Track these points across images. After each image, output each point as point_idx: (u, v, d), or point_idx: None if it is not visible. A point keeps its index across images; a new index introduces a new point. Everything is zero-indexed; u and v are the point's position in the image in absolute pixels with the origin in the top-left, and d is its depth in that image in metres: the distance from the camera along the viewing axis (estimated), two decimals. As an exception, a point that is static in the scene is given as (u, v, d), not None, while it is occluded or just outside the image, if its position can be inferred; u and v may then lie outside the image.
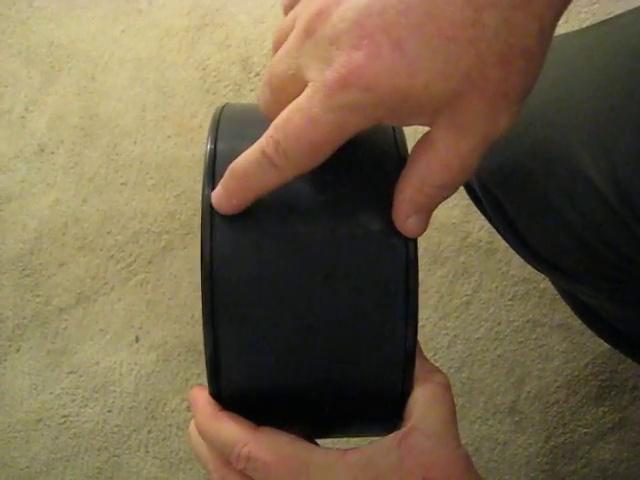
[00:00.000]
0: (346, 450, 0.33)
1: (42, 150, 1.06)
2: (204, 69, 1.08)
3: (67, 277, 0.98)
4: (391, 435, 0.33)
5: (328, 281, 0.32)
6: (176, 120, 1.05)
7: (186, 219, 0.99)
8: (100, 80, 1.09)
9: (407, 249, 0.32)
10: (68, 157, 1.05)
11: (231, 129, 0.36)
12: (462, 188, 0.57)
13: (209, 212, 0.32)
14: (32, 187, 1.04)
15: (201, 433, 0.35)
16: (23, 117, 1.08)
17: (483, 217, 0.57)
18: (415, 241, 0.32)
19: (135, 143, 1.05)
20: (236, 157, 0.33)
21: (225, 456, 0.34)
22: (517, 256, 0.56)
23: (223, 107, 0.38)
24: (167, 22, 1.12)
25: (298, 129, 0.29)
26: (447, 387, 0.35)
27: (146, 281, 0.97)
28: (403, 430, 0.33)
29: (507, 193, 0.49)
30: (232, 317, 0.32)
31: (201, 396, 0.35)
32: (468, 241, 0.94)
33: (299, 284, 0.32)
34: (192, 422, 0.37)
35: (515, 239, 0.52)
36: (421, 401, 0.34)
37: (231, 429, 0.34)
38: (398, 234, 0.32)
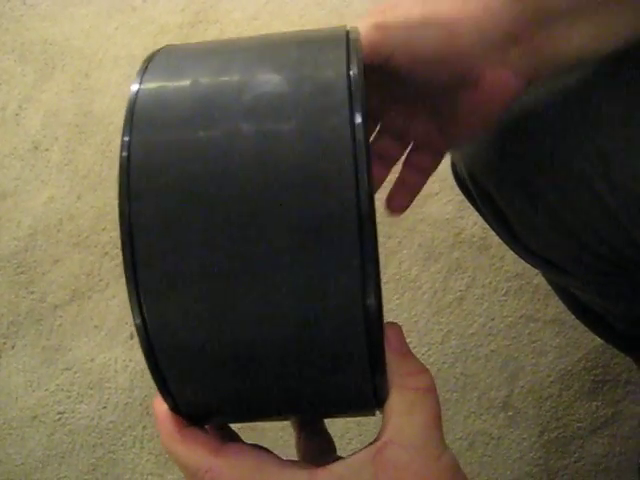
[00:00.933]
0: (316, 470, 0.31)
1: (36, 147, 1.06)
2: (198, 66, 1.08)
3: (62, 274, 0.98)
4: (365, 450, 0.31)
5: (261, 198, 0.28)
6: (170, 117, 1.05)
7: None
8: (94, 77, 1.09)
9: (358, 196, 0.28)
10: (62, 154, 1.05)
11: (160, 69, 0.33)
12: (455, 184, 0.57)
13: (126, 168, 0.30)
14: (26, 184, 1.04)
15: (167, 450, 0.34)
16: (17, 114, 1.08)
17: (476, 213, 0.57)
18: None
19: (129, 140, 1.05)
20: (160, 97, 0.31)
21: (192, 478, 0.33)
22: (510, 252, 0.57)
23: (159, 50, 0.35)
24: (161, 19, 1.12)
25: None
26: (428, 390, 0.33)
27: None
28: (377, 444, 0.31)
29: (499, 188, 0.49)
30: (155, 269, 0.29)
31: (160, 412, 0.33)
32: (462, 237, 0.95)
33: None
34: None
35: (507, 234, 0.53)
36: (397, 410, 0.32)
37: (192, 452, 0.32)
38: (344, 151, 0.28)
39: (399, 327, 0.34)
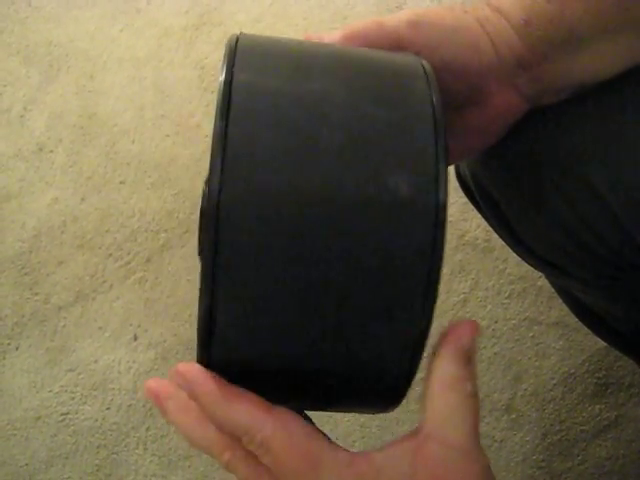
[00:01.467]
0: (357, 455, 0.32)
1: (41, 149, 1.06)
2: (202, 68, 1.08)
3: (66, 275, 0.99)
4: (405, 442, 0.32)
5: (340, 245, 0.29)
6: (174, 119, 1.06)
7: (184, 217, 1.00)
8: (98, 79, 1.10)
9: (436, 219, 0.30)
10: (67, 156, 1.05)
11: (249, 59, 0.32)
12: (459, 186, 0.57)
13: (221, 150, 0.29)
14: (31, 186, 1.04)
15: (209, 414, 0.32)
16: (22, 116, 1.08)
17: (480, 215, 0.57)
18: (444, 221, 0.30)
19: (133, 142, 1.05)
20: (254, 90, 0.31)
21: (235, 438, 0.32)
22: (514, 254, 0.57)
23: (238, 37, 0.35)
24: (165, 21, 1.12)
25: None
26: (474, 396, 0.33)
27: (144, 279, 0.98)
28: (419, 437, 0.32)
29: (502, 192, 0.49)
30: (233, 277, 0.29)
31: (201, 375, 0.32)
32: (465, 239, 0.95)
33: (311, 244, 0.29)
34: (173, 405, 0.34)
35: (510, 237, 0.53)
36: (443, 410, 0.32)
37: (245, 411, 0.31)
38: (426, 205, 0.30)
39: (476, 326, 0.34)
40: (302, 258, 0.29)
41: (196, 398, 0.32)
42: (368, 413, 0.38)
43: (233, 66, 0.31)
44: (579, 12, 0.39)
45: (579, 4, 0.39)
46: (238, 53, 0.32)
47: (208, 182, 0.29)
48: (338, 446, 0.32)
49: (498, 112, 0.42)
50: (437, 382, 0.33)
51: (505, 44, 0.40)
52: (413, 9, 0.40)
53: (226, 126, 0.29)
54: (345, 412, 0.38)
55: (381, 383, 0.33)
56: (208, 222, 0.29)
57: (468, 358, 0.33)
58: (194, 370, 0.32)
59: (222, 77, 0.31)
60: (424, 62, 0.35)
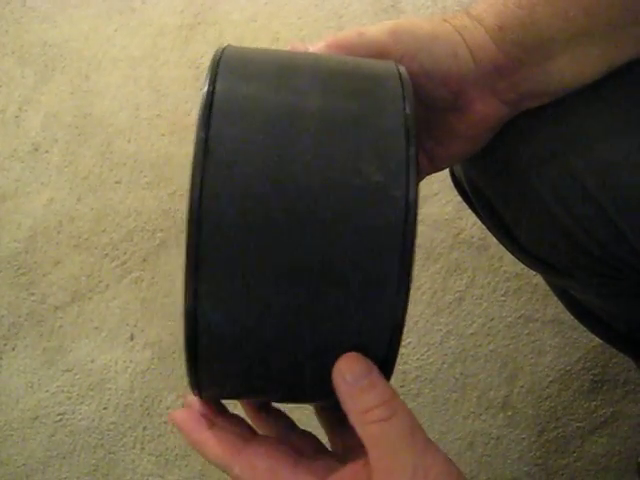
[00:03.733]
0: (326, 476, 0.34)
1: (36, 149, 1.06)
2: (197, 67, 1.08)
3: (62, 275, 0.99)
4: (366, 467, 0.33)
5: (320, 228, 0.31)
6: (170, 118, 1.06)
7: (180, 217, 1.00)
8: (94, 79, 1.10)
9: (407, 203, 0.31)
10: (62, 156, 1.05)
11: (231, 70, 0.35)
12: (453, 185, 0.57)
13: (202, 156, 0.31)
14: (27, 186, 1.04)
15: (196, 450, 0.37)
16: (17, 116, 1.08)
17: (475, 215, 0.58)
18: (415, 201, 0.32)
19: (129, 142, 1.05)
20: (236, 98, 0.33)
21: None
22: (510, 253, 0.57)
23: (224, 48, 0.37)
24: (160, 20, 1.12)
25: None
26: (394, 416, 0.32)
27: (141, 279, 0.98)
28: (369, 470, 0.33)
29: (496, 192, 0.50)
30: (215, 264, 0.31)
31: (180, 421, 0.37)
32: (461, 237, 0.95)
33: (288, 230, 0.31)
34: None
35: (505, 236, 0.53)
36: (372, 445, 0.32)
37: (215, 455, 0.36)
38: (398, 190, 0.31)
39: (355, 357, 0.33)
40: (281, 242, 0.31)
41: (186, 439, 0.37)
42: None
43: (216, 76, 0.34)
44: (548, 17, 0.40)
45: (547, 9, 0.40)
46: (221, 64, 0.35)
47: (190, 183, 0.31)
48: (306, 474, 0.34)
49: (480, 117, 0.44)
50: (354, 424, 0.33)
51: (482, 51, 0.41)
52: (394, 20, 0.42)
53: (207, 133, 0.31)
54: (326, 404, 0.38)
55: None
56: (191, 213, 0.31)
57: (364, 387, 0.33)
58: (177, 417, 0.37)
59: (204, 88, 0.33)
60: (400, 66, 0.37)
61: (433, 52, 0.41)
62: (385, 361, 0.33)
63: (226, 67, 0.35)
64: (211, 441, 0.36)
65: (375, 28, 0.41)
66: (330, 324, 0.32)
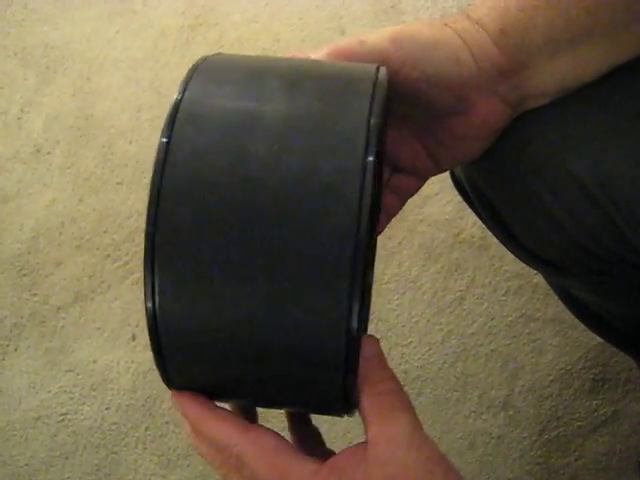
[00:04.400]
0: (323, 461, 0.35)
1: (38, 151, 1.06)
2: (199, 69, 1.09)
3: (64, 276, 0.99)
4: (356, 448, 0.35)
5: (273, 225, 0.31)
6: (171, 120, 1.06)
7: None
8: (95, 81, 1.10)
9: (360, 205, 0.31)
10: (64, 157, 1.06)
11: (205, 76, 0.36)
12: (454, 185, 0.58)
13: (162, 160, 0.32)
14: (29, 187, 1.04)
15: (196, 434, 0.37)
16: (19, 118, 1.09)
17: (475, 215, 0.58)
18: (368, 220, 0.32)
19: (130, 143, 1.05)
20: (203, 103, 0.34)
21: (219, 451, 0.36)
22: (511, 253, 0.57)
23: (207, 57, 0.38)
24: (161, 22, 1.13)
25: None
26: (401, 391, 0.36)
27: (142, 280, 0.98)
28: (367, 445, 0.34)
29: (496, 192, 0.50)
30: (170, 260, 0.32)
31: (186, 399, 0.36)
32: (461, 237, 0.95)
33: (241, 227, 0.32)
34: (186, 422, 0.38)
35: (503, 234, 0.53)
36: (376, 414, 0.35)
37: (223, 429, 0.36)
38: (351, 192, 0.31)
39: (376, 340, 0.37)
40: (234, 239, 0.31)
41: (187, 419, 0.37)
42: (319, 410, 0.39)
43: (187, 84, 0.35)
44: (550, 19, 0.40)
45: (549, 11, 0.40)
46: (196, 72, 0.36)
47: (150, 184, 0.32)
48: (308, 458, 0.35)
49: (483, 120, 0.44)
50: (365, 395, 0.35)
51: (484, 54, 0.41)
52: (394, 27, 0.42)
53: (169, 136, 0.33)
54: (300, 407, 0.39)
55: (322, 369, 0.34)
56: (148, 212, 0.32)
57: (379, 364, 0.36)
58: (184, 395, 0.37)
59: (175, 96, 0.34)
60: (382, 70, 0.37)
61: (435, 58, 0.41)
62: (346, 362, 0.33)
63: (200, 74, 0.36)
64: (214, 419, 0.36)
65: (376, 35, 0.41)
66: (283, 320, 0.32)
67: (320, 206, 0.31)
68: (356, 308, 0.32)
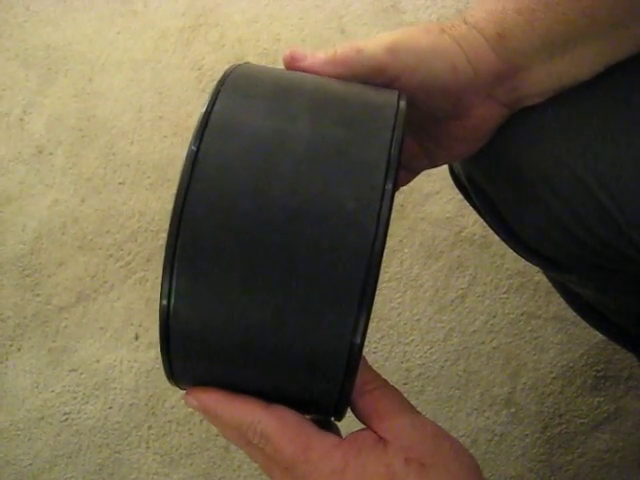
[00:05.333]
0: (343, 438, 0.36)
1: (40, 151, 1.07)
2: (199, 69, 1.09)
3: (67, 276, 0.99)
4: (371, 432, 0.36)
5: (289, 243, 0.33)
6: (172, 120, 1.06)
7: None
8: (97, 82, 1.10)
9: (376, 233, 0.33)
10: (66, 158, 1.06)
11: (233, 90, 0.37)
12: (453, 181, 0.58)
13: (190, 168, 0.33)
14: (31, 188, 1.05)
15: (219, 418, 0.37)
16: (21, 119, 1.09)
17: (476, 212, 0.58)
18: (383, 240, 0.33)
19: (132, 143, 1.06)
20: (233, 118, 0.35)
21: (242, 433, 0.37)
22: (511, 250, 0.57)
23: (235, 67, 0.39)
24: (162, 23, 1.13)
25: None
26: (384, 387, 0.38)
27: (145, 279, 0.98)
28: (381, 438, 0.36)
29: (495, 188, 0.50)
30: (191, 265, 0.33)
31: (202, 391, 0.37)
32: (462, 235, 0.95)
33: (259, 242, 0.33)
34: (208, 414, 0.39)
35: (505, 232, 0.53)
36: (372, 412, 0.37)
37: (243, 409, 0.36)
38: (369, 219, 0.33)
39: None
40: (251, 251, 0.33)
41: (206, 409, 0.37)
42: (313, 411, 0.39)
43: (217, 95, 0.36)
44: (547, 21, 0.40)
45: (547, 13, 0.40)
46: (225, 84, 0.37)
47: (177, 190, 0.33)
48: (329, 433, 0.36)
49: (479, 121, 0.44)
50: (359, 396, 0.38)
51: (481, 60, 0.41)
52: (391, 33, 0.42)
53: (198, 146, 0.34)
54: (296, 409, 0.40)
55: (322, 378, 0.35)
56: (175, 207, 0.33)
57: (363, 366, 0.38)
58: (199, 389, 0.37)
59: (204, 106, 0.35)
60: (402, 99, 0.38)
61: (432, 67, 0.41)
62: (346, 372, 0.35)
63: (229, 87, 0.37)
64: (236, 401, 0.36)
65: (374, 43, 0.41)
66: (291, 330, 0.33)
67: (337, 230, 0.33)
68: (361, 326, 0.33)
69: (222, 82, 0.37)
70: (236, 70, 0.39)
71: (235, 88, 0.37)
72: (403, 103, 0.38)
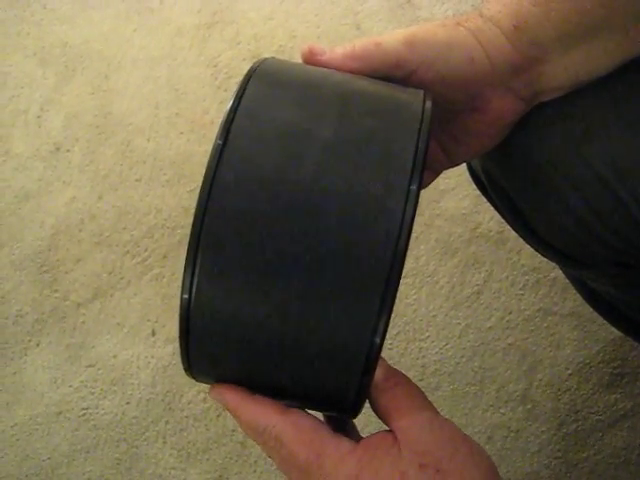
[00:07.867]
0: (358, 442, 0.36)
1: (58, 149, 1.08)
2: (215, 66, 1.09)
3: (84, 273, 1.00)
4: (390, 432, 0.36)
5: (314, 227, 0.33)
6: (189, 117, 1.07)
7: (200, 214, 1.01)
8: (113, 79, 1.11)
9: (403, 218, 0.33)
10: (83, 155, 1.07)
11: (259, 84, 0.37)
12: (471, 179, 0.58)
13: (217, 158, 0.34)
14: (49, 185, 1.06)
15: (237, 418, 0.38)
16: (39, 117, 1.10)
17: (493, 207, 0.58)
18: (409, 229, 0.33)
19: (149, 140, 1.06)
20: (261, 107, 0.35)
21: (259, 434, 0.37)
22: (527, 246, 0.57)
23: (261, 62, 0.39)
24: (178, 20, 1.13)
25: None
26: (406, 378, 0.38)
27: (161, 275, 0.99)
28: (397, 435, 0.36)
29: (513, 183, 0.50)
30: (215, 245, 0.33)
31: (225, 389, 0.38)
32: (478, 231, 0.95)
33: (286, 226, 0.33)
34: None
35: (523, 227, 0.53)
36: (396, 407, 0.37)
37: (261, 412, 0.37)
38: (397, 201, 0.33)
39: None
40: (276, 237, 0.33)
41: (226, 407, 0.38)
42: (328, 408, 0.39)
43: (244, 90, 0.37)
44: (564, 13, 0.40)
45: (564, 5, 0.40)
46: (252, 79, 0.37)
47: (204, 178, 0.34)
48: (343, 437, 0.36)
49: (496, 116, 0.44)
50: (379, 393, 0.38)
51: (498, 52, 0.42)
52: (409, 28, 0.42)
53: (225, 139, 0.34)
54: (312, 404, 0.40)
55: (342, 372, 0.35)
56: (200, 200, 0.34)
57: (382, 364, 0.38)
58: (223, 387, 0.38)
59: (230, 102, 0.36)
60: (428, 99, 0.38)
61: (449, 60, 0.41)
62: (364, 375, 0.35)
63: (256, 81, 0.37)
64: (253, 404, 0.37)
65: (391, 38, 0.42)
66: (313, 322, 0.33)
67: (363, 216, 0.33)
68: (382, 326, 0.33)
69: (249, 75, 0.38)
70: (264, 63, 0.39)
71: (263, 79, 0.37)
72: (429, 103, 0.38)
